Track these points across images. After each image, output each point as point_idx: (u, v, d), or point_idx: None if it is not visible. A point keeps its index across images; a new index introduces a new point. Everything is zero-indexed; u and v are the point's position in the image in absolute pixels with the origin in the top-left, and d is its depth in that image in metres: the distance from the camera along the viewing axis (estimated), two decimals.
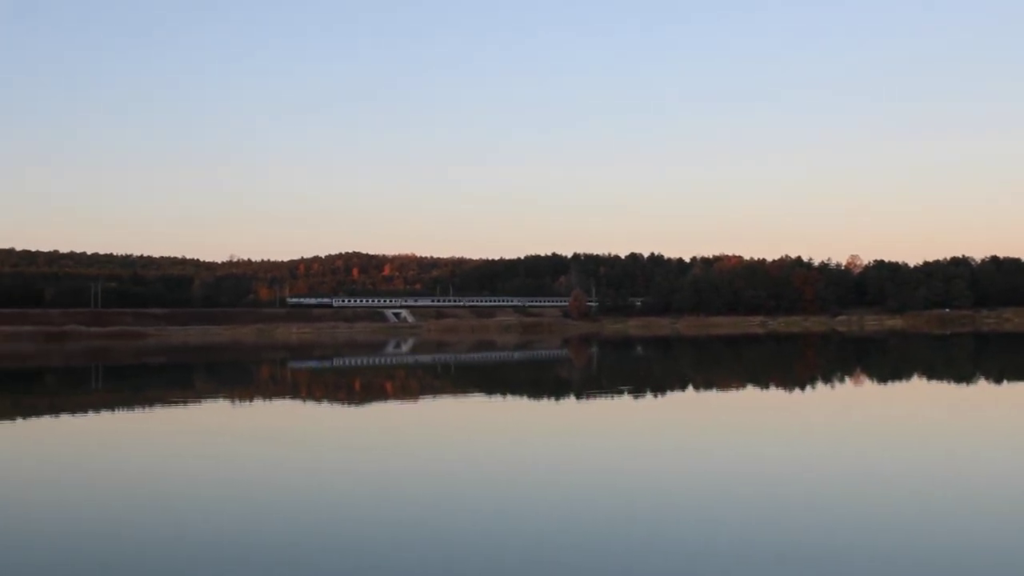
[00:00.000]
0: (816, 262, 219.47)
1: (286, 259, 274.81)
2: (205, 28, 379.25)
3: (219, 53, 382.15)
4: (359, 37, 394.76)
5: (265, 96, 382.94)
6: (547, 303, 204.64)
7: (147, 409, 30.14)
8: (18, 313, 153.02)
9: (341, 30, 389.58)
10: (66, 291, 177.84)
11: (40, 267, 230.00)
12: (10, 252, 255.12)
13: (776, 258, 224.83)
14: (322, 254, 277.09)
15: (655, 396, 33.43)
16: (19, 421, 27.38)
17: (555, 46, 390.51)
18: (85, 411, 29.69)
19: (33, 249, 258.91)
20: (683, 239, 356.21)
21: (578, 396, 34.36)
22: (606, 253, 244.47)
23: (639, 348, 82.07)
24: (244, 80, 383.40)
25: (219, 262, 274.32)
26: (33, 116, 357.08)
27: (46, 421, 27.12)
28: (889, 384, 39.65)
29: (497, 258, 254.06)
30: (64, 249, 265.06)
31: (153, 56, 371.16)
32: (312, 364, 61.06)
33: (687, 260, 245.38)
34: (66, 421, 26.77)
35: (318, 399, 34.60)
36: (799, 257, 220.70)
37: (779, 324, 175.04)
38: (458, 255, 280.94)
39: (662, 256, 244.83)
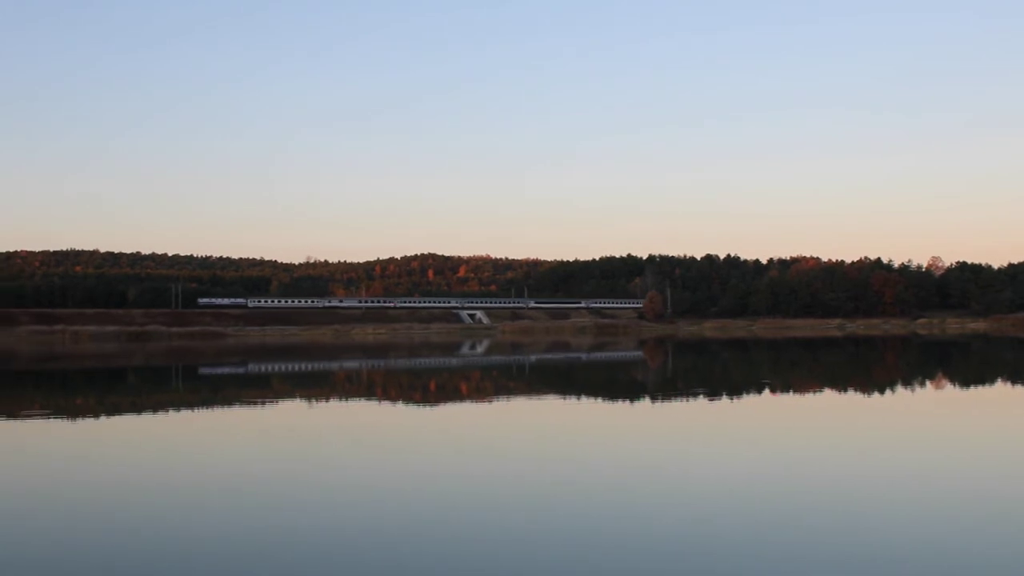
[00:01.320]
0: (896, 264, 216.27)
1: (362, 260, 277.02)
2: (275, 31, 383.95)
3: (295, 56, 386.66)
4: (436, 39, 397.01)
5: (342, 99, 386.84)
6: (622, 305, 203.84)
7: (227, 408, 30.55)
8: (102, 313, 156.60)
9: (419, 31, 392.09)
10: (148, 292, 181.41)
11: (123, 268, 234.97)
12: (94, 254, 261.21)
13: (855, 260, 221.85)
14: (398, 255, 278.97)
15: (731, 399, 33.08)
16: (103, 419, 27.90)
17: (626, 49, 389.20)
18: (167, 409, 30.18)
19: (116, 251, 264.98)
20: (759, 241, 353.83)
21: (653, 398, 34.14)
22: (682, 255, 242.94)
23: (716, 351, 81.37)
24: (322, 83, 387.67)
25: (296, 263, 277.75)
26: (118, 122, 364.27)
27: (128, 419, 27.64)
28: (973, 389, 38.80)
29: (572, 259, 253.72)
30: (146, 251, 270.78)
31: (228, 60, 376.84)
32: (225, 370, 56.18)
33: (764, 262, 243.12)
34: (146, 418, 27.26)
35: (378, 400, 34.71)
36: (878, 259, 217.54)
37: (858, 327, 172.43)
38: (533, 256, 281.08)
39: (738, 258, 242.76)
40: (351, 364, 62.71)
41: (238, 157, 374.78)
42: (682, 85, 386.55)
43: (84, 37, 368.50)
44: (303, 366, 61.09)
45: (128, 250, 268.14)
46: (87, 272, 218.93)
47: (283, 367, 59.66)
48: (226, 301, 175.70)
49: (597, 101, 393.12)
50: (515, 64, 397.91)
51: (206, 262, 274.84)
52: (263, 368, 59.26)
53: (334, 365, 61.74)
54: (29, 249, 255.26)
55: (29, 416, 27.98)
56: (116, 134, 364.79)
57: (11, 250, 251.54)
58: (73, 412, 29.66)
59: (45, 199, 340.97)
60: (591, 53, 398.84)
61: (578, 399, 34.27)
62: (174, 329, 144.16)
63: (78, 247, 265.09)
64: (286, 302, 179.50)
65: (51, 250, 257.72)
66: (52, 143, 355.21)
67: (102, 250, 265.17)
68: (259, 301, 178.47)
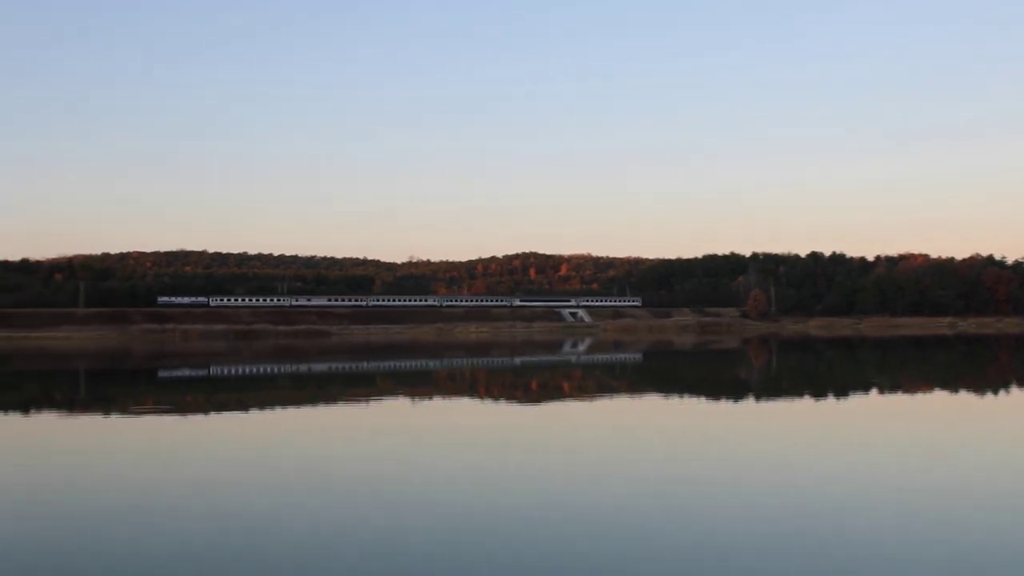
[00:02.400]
0: (1009, 260, 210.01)
1: (464, 259, 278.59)
2: (377, 31, 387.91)
3: (404, 53, 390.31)
4: (544, 36, 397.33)
5: (443, 99, 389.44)
6: (724, 304, 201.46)
7: (329, 406, 30.97)
8: (211, 312, 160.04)
9: (532, 28, 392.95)
10: (255, 291, 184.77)
11: (231, 268, 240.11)
12: (203, 254, 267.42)
13: (965, 256, 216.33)
14: (499, 254, 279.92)
15: (837, 399, 32.50)
16: (211, 415, 28.54)
17: (724, 46, 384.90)
18: (272, 406, 30.71)
19: (224, 251, 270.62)
20: (865, 238, 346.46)
21: (758, 397, 33.72)
22: (785, 252, 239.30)
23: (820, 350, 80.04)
24: (424, 83, 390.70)
25: (399, 262, 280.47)
26: (226, 127, 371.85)
27: (234, 416, 28.22)
28: None
29: (674, 257, 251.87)
30: (252, 251, 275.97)
31: (336, 63, 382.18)
32: (186, 372, 53.60)
33: (870, 259, 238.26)
34: (253, 415, 27.78)
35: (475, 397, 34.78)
36: (990, 256, 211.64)
37: (969, 325, 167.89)
38: (634, 255, 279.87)
39: (843, 255, 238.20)
40: (458, 362, 63.05)
41: (342, 158, 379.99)
42: (786, 81, 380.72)
43: (213, 39, 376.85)
44: (407, 364, 61.60)
45: (235, 251, 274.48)
46: (196, 272, 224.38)
47: (390, 365, 60.24)
48: (186, 300, 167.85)
49: (698, 98, 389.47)
50: (618, 63, 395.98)
51: (311, 261, 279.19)
52: (364, 366, 59.90)
53: (435, 363, 62.10)
54: (141, 250, 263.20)
55: (141, 412, 28.75)
56: (224, 138, 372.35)
57: (124, 251, 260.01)
58: (185, 408, 30.39)
59: (156, 202, 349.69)
60: (703, 54, 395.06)
61: (681, 398, 33.99)
62: (280, 328, 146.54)
63: (187, 248, 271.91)
64: (292, 301, 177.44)
65: (162, 251, 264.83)
66: (165, 149, 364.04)
67: (210, 251, 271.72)
68: (221, 300, 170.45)
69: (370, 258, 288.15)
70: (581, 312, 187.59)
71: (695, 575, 10.07)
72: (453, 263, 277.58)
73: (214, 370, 55.24)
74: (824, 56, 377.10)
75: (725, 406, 31.26)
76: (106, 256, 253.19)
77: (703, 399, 33.83)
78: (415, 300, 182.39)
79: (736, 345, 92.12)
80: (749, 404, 31.71)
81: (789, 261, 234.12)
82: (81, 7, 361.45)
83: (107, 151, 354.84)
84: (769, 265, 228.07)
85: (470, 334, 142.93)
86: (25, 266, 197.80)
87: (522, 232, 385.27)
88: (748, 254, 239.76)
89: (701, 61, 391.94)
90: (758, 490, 14.63)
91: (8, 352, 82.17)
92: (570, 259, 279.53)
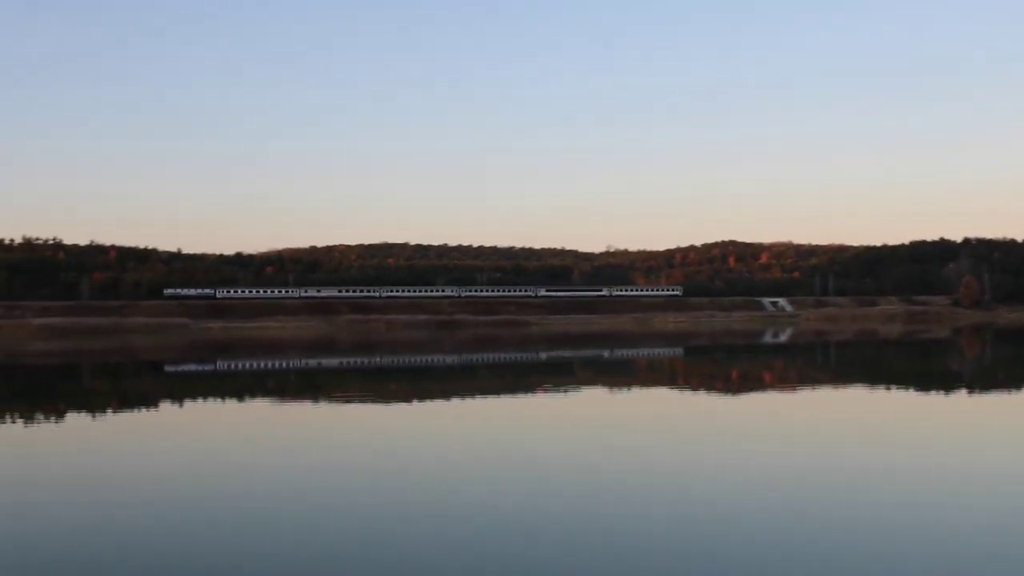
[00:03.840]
0: None
1: (662, 248, 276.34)
2: (582, 24, 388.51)
3: (584, 49, 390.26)
4: (737, 30, 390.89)
5: (641, 91, 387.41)
6: (933, 292, 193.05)
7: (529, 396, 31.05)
8: (413, 302, 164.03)
9: (723, 23, 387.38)
10: (455, 282, 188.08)
11: (431, 260, 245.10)
12: (405, 246, 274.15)
13: None
14: (698, 243, 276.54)
15: None
16: (415, 403, 29.02)
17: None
18: (473, 395, 31.01)
19: (425, 243, 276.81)
20: None
21: (970, 390, 32.13)
22: (1000, 237, 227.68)
23: None
24: (615, 76, 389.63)
25: (597, 252, 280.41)
26: (420, 126, 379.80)
27: (436, 404, 28.62)
28: None
29: (879, 244, 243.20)
30: (453, 243, 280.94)
31: (521, 59, 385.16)
32: (192, 367, 52.81)
33: None
34: (454, 402, 28.10)
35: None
36: None
37: None
38: (837, 242, 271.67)
39: None
40: (661, 351, 62.55)
41: (539, 150, 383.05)
42: (989, 60, 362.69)
43: (388, 40, 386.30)
44: (583, 354, 61.42)
45: (436, 242, 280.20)
46: (399, 264, 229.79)
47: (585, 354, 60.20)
48: (193, 292, 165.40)
49: (908, 84, 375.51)
50: (818, 49, 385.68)
51: (510, 252, 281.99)
52: (562, 355, 59.99)
53: (634, 352, 61.70)
54: (347, 243, 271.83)
55: (344, 400, 29.49)
56: (420, 134, 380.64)
57: (331, 244, 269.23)
58: (387, 396, 31.00)
59: (359, 197, 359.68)
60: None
61: (888, 390, 32.65)
62: (480, 318, 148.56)
63: (391, 240, 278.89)
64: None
65: (366, 244, 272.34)
66: (370, 147, 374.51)
67: (412, 243, 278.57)
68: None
69: (568, 248, 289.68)
70: (782, 301, 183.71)
71: None
72: (651, 252, 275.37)
73: (416, 359, 56.35)
74: None
75: (935, 399, 29.84)
76: (313, 249, 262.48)
77: (911, 391, 32.41)
78: (515, 290, 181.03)
79: (946, 335, 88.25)
80: (960, 397, 30.22)
81: (1004, 247, 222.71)
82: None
83: (316, 150, 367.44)
84: (982, 251, 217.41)
85: (668, 324, 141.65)
86: (239, 259, 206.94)
87: (722, 220, 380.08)
88: (959, 239, 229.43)
89: (917, 41, 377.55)
90: (978, 485, 13.83)
91: (226, 342, 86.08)
92: (771, 247, 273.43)
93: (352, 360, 56.06)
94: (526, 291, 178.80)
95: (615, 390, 32.67)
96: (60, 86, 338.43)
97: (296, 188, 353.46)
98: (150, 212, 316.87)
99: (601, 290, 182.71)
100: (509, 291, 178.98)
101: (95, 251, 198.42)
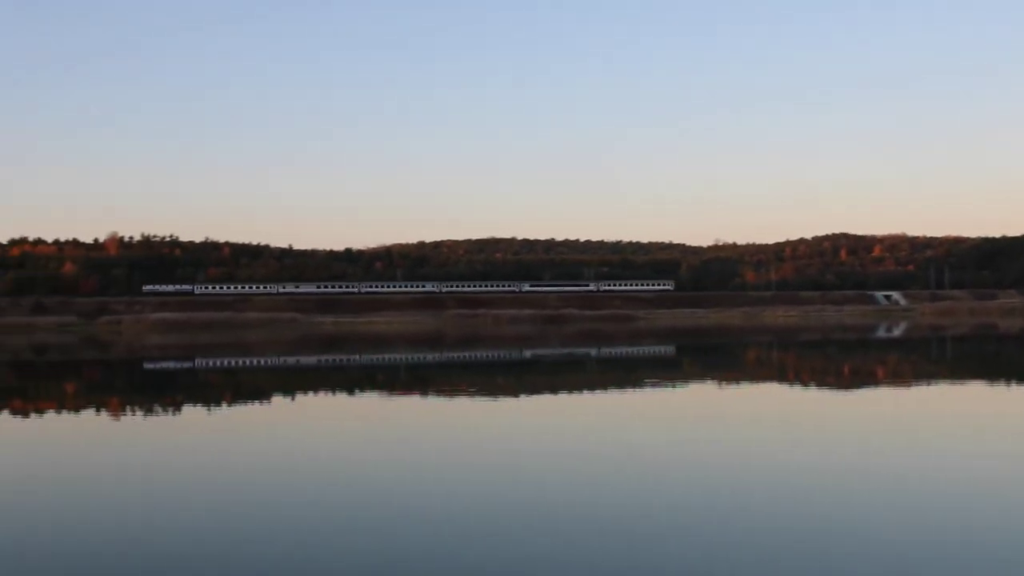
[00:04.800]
0: None
1: (771, 242, 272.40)
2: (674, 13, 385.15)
3: (688, 42, 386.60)
4: (862, 23, 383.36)
5: (732, 83, 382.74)
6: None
7: (639, 391, 30.84)
8: (519, 297, 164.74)
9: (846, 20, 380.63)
10: (562, 276, 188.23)
11: (538, 254, 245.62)
12: (512, 241, 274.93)
13: None
14: (808, 236, 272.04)
15: None
16: (521, 398, 29.02)
17: None
18: (581, 390, 30.91)
19: (532, 238, 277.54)
20: None
21: None
22: None
23: None
24: (730, 68, 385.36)
25: (705, 246, 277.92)
26: (523, 121, 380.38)
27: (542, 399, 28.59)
28: None
29: (998, 235, 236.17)
30: (559, 237, 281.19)
31: (623, 52, 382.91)
32: (170, 365, 51.37)
33: None
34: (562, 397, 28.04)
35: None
36: None
37: None
38: (954, 233, 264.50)
39: None
40: (655, 349, 61.68)
41: (648, 143, 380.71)
42: None
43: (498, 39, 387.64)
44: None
45: (543, 237, 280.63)
46: (506, 258, 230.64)
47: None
48: (171, 288, 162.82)
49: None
50: (934, 41, 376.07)
51: (616, 246, 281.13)
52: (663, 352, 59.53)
53: (625, 351, 60.93)
54: (454, 238, 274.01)
55: (453, 394, 29.64)
56: (527, 132, 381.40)
57: (439, 239, 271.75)
58: (494, 391, 31.06)
59: (467, 192, 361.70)
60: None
61: (1008, 386, 31.64)
62: (586, 312, 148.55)
63: (498, 236, 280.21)
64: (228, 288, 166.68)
65: (473, 239, 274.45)
66: (476, 145, 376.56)
67: (519, 237, 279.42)
68: (206, 288, 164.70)
69: (675, 242, 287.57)
70: (896, 295, 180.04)
71: None
72: (760, 246, 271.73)
73: (528, 353, 56.45)
74: None
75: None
76: (421, 244, 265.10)
77: None
78: (502, 285, 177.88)
79: None
80: None
81: None
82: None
83: (427, 147, 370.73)
84: None
85: (778, 318, 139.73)
86: (348, 255, 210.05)
87: (833, 213, 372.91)
88: None
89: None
90: None
91: (337, 336, 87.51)
92: (883, 240, 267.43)
93: (456, 355, 56.48)
94: (510, 286, 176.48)
95: (724, 385, 32.22)
96: (177, 88, 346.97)
97: (406, 185, 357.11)
98: (263, 209, 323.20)
99: (588, 284, 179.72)
100: (495, 286, 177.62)
101: (210, 248, 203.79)
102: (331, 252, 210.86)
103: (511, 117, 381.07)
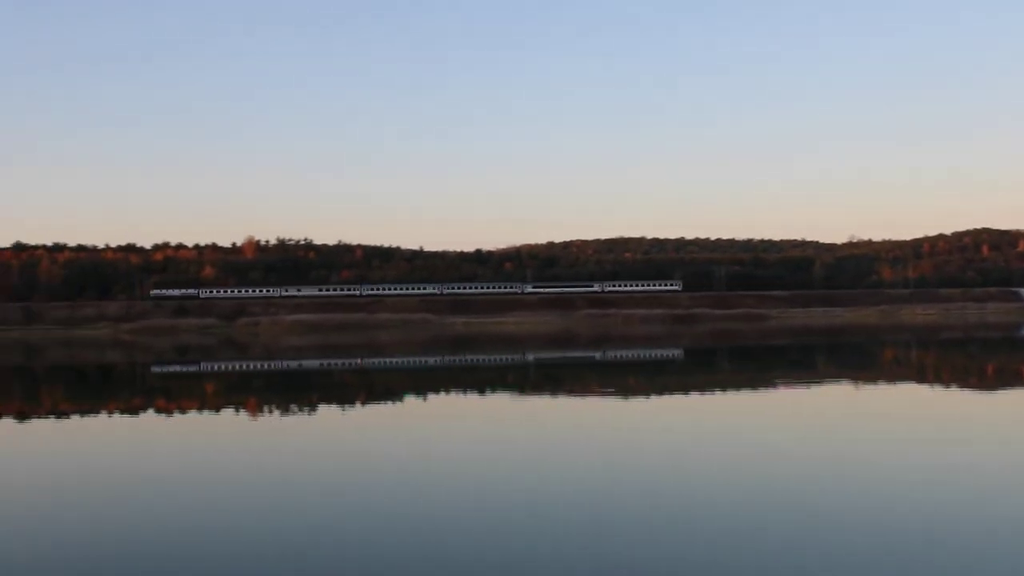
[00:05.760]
0: None
1: (908, 238, 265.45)
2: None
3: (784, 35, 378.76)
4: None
5: (876, 65, 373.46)
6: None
7: (768, 391, 30.44)
8: (651, 297, 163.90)
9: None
10: (692, 275, 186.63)
11: (668, 253, 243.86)
12: (641, 240, 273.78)
13: None
14: (948, 231, 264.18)
15: None
16: (653, 398, 28.94)
17: None
18: (712, 390, 30.66)
19: (662, 237, 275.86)
20: None
21: None
22: None
23: None
24: (849, 57, 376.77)
25: (839, 243, 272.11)
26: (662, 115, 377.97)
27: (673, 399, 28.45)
28: None
29: None
30: (690, 235, 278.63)
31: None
32: (176, 368, 51.84)
33: None
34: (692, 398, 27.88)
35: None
36: None
37: None
38: None
39: None
40: (660, 352, 60.20)
41: (777, 139, 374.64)
42: None
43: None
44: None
45: (673, 235, 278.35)
46: (635, 258, 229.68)
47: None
48: (177, 292, 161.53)
49: None
50: None
51: (748, 245, 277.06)
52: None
53: (630, 354, 59.56)
54: (583, 238, 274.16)
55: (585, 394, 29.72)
56: (657, 130, 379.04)
57: (568, 240, 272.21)
58: (627, 391, 31.02)
59: (597, 191, 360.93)
60: None
61: None
62: (718, 311, 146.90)
63: (627, 235, 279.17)
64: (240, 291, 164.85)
65: (602, 238, 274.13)
66: (601, 143, 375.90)
67: (648, 236, 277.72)
68: (210, 292, 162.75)
69: (809, 239, 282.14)
70: None
71: None
72: (897, 242, 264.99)
73: (653, 353, 56.22)
74: None
75: None
76: (551, 245, 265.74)
77: None
78: (502, 287, 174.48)
79: None
80: None
81: None
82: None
83: (556, 148, 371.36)
84: None
85: (916, 316, 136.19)
86: (479, 256, 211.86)
87: (974, 208, 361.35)
88: None
89: None
90: None
91: (467, 336, 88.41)
92: None
93: (584, 354, 56.54)
94: (511, 287, 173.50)
95: (860, 385, 31.58)
96: (311, 93, 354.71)
97: (536, 186, 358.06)
98: (394, 212, 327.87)
99: (592, 285, 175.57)
100: (498, 287, 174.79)
101: (343, 250, 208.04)
102: (461, 253, 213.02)
103: (641, 116, 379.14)
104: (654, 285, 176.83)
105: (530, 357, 54.34)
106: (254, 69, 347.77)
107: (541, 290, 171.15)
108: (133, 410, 27.59)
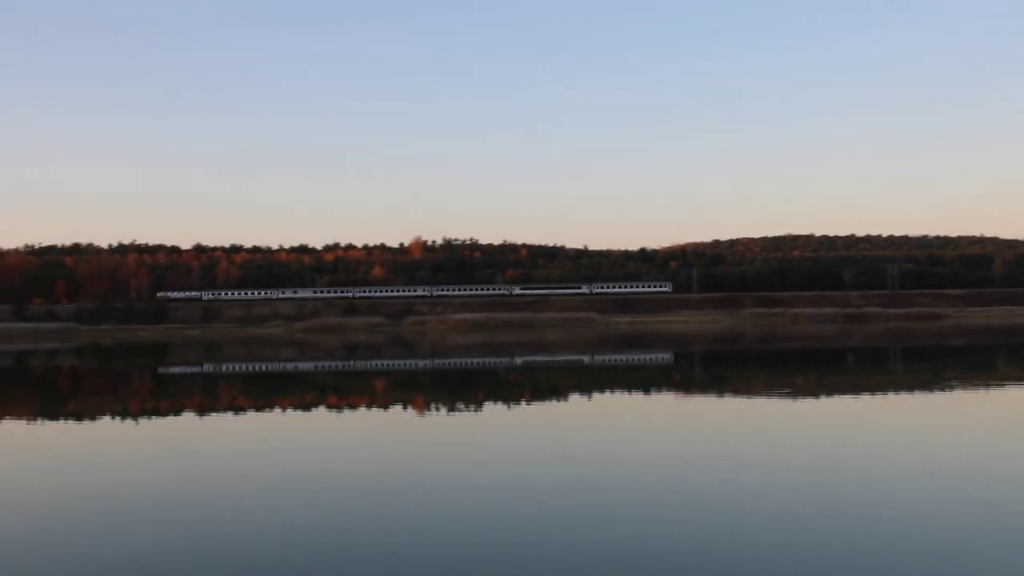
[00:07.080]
0: None
1: None
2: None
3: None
4: None
5: None
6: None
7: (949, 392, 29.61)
8: (819, 295, 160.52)
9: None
10: (864, 274, 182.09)
11: (839, 251, 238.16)
12: (810, 238, 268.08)
13: None
14: None
15: None
16: (823, 399, 28.47)
17: None
18: (885, 391, 29.99)
19: (832, 234, 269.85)
20: None
21: None
22: None
23: None
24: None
25: (1021, 239, 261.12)
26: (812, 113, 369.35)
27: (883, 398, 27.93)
28: None
29: None
30: (860, 233, 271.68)
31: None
32: (182, 369, 51.21)
33: None
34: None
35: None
36: None
37: None
38: None
39: None
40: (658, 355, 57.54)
41: (954, 131, 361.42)
42: None
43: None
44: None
45: (843, 233, 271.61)
46: (804, 256, 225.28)
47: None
48: (185, 295, 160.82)
49: None
50: None
51: (922, 242, 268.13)
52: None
53: (623, 358, 57.03)
54: (749, 236, 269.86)
55: (759, 394, 29.45)
56: (830, 125, 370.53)
57: (734, 238, 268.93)
58: (794, 391, 30.63)
59: (763, 189, 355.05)
60: None
61: None
62: (891, 311, 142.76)
63: (795, 232, 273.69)
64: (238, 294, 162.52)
65: (770, 236, 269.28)
66: (771, 139, 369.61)
67: (817, 234, 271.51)
68: (215, 293, 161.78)
69: (988, 235, 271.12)
70: None
71: None
72: None
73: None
74: None
75: None
76: (716, 243, 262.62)
77: None
78: (496, 287, 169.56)
79: None
80: None
81: None
82: None
83: (717, 145, 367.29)
84: None
85: None
86: (643, 255, 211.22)
87: None
88: None
89: None
90: None
91: (633, 335, 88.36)
92: None
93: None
94: (507, 289, 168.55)
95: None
96: (471, 98, 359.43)
97: (701, 184, 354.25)
98: (559, 211, 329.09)
99: (580, 287, 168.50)
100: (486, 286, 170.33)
101: (508, 250, 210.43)
102: (626, 252, 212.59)
103: (807, 113, 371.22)
104: (645, 287, 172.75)
105: (518, 360, 53.42)
106: (431, 76, 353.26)
107: (526, 292, 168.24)
108: (306, 406, 28.65)
